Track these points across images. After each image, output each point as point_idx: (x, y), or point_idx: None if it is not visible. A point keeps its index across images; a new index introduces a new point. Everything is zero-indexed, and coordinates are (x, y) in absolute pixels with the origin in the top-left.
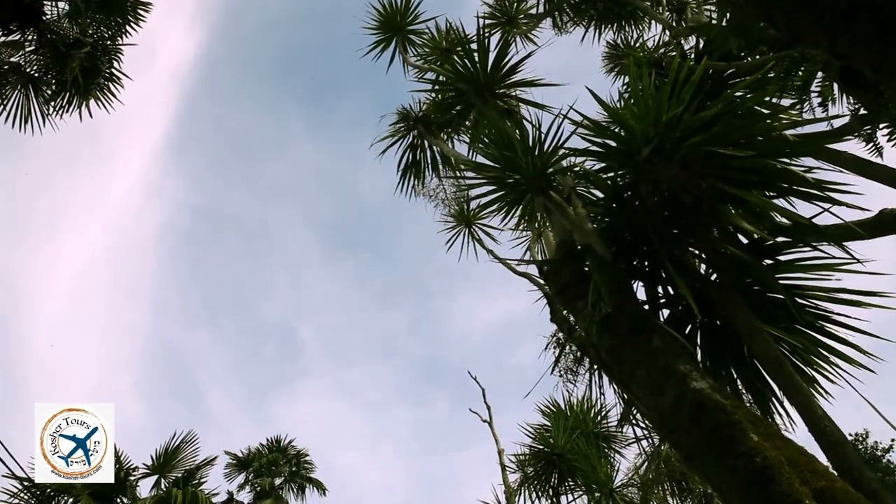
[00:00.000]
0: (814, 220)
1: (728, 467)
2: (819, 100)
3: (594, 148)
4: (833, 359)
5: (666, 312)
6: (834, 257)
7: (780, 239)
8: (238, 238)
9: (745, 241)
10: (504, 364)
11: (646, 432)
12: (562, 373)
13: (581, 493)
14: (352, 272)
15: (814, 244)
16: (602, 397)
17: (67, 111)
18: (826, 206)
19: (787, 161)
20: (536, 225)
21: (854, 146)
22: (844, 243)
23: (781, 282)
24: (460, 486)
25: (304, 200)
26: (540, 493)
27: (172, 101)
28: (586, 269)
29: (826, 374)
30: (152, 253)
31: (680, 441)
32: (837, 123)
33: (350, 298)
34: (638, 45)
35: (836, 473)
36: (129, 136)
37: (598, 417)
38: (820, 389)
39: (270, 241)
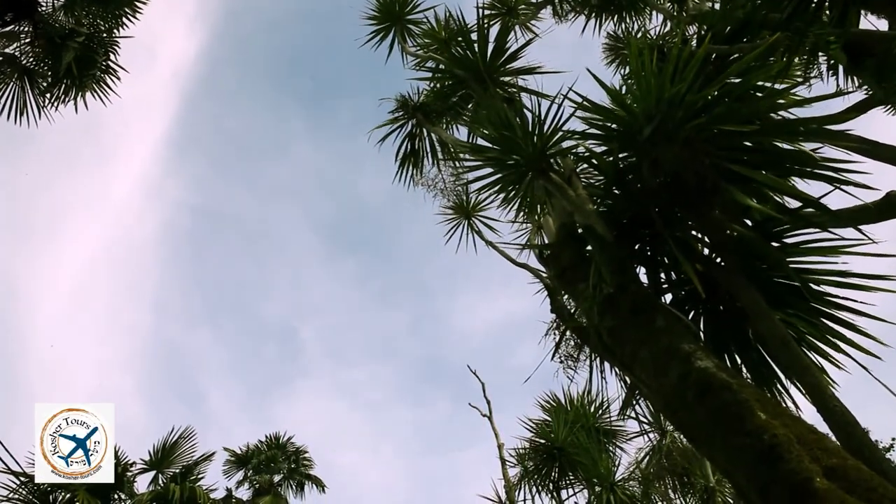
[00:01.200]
0: (821, 201)
1: (735, 447)
2: (827, 63)
3: (593, 130)
4: (840, 344)
5: (668, 298)
6: (843, 238)
7: (787, 220)
8: (238, 238)
9: (750, 223)
10: (505, 364)
11: (647, 426)
12: (562, 359)
13: (581, 487)
14: (352, 272)
15: (821, 226)
16: (604, 382)
17: (63, 103)
18: (833, 186)
19: (793, 140)
20: (536, 216)
21: (857, 124)
22: (851, 226)
23: (789, 264)
24: (461, 486)
25: (304, 201)
26: (540, 488)
27: (173, 101)
28: (587, 251)
29: (833, 360)
30: (153, 253)
31: (685, 422)
32: (840, 100)
33: (350, 299)
34: (640, 35)
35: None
36: (129, 136)
37: (599, 412)
38: (826, 379)
39: (271, 241)
